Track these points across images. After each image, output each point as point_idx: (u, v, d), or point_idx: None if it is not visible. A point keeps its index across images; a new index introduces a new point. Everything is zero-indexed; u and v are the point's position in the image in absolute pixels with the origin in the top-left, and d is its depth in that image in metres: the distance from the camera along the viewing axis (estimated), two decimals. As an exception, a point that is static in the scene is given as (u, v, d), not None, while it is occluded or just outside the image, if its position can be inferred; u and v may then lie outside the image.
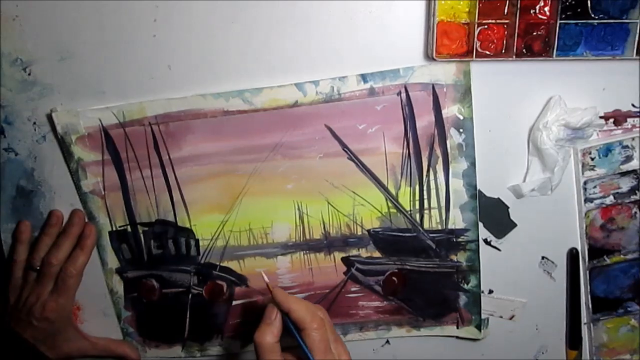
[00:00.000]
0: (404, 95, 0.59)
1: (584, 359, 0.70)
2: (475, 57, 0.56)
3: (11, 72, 0.58)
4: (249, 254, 0.65)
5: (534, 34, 0.56)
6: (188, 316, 0.67)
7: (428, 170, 0.62)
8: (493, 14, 0.55)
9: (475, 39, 0.55)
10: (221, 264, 0.66)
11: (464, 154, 0.61)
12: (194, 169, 0.62)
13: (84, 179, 0.62)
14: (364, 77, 0.58)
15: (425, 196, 0.63)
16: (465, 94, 0.58)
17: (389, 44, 0.58)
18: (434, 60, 0.56)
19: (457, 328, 0.68)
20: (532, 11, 0.55)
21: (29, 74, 0.58)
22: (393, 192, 0.62)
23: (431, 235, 0.64)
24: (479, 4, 0.54)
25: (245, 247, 0.65)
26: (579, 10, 0.55)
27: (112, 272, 0.66)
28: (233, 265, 0.66)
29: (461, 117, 0.59)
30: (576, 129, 0.59)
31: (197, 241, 0.65)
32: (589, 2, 0.55)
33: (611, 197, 0.64)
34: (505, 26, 0.55)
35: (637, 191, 0.64)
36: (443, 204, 0.63)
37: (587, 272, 0.66)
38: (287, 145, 0.61)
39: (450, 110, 0.59)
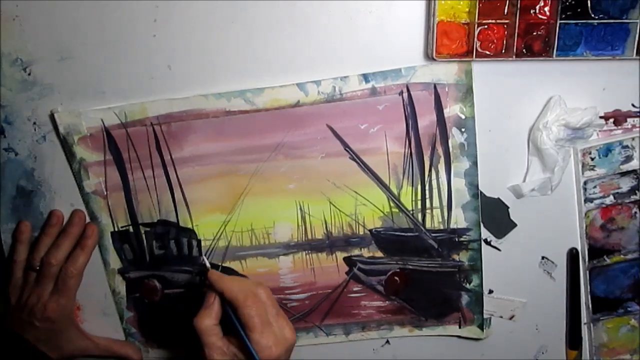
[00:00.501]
0: (405, 95, 0.59)
1: (584, 359, 0.70)
2: (475, 57, 0.56)
3: (11, 72, 0.58)
4: (251, 254, 0.65)
5: (534, 34, 0.56)
6: (190, 316, 0.67)
7: (430, 170, 0.62)
8: (493, 14, 0.55)
9: (475, 39, 0.55)
10: (223, 265, 0.66)
11: (466, 153, 0.61)
12: (195, 169, 0.62)
13: (86, 179, 0.62)
14: (365, 77, 0.58)
15: (427, 196, 0.63)
16: (467, 93, 0.58)
17: (389, 44, 0.58)
18: (434, 60, 0.56)
19: (460, 328, 0.68)
20: (532, 11, 0.55)
21: (29, 74, 0.58)
22: (395, 191, 0.63)
23: (433, 234, 0.64)
24: (479, 4, 0.54)
25: (247, 248, 0.65)
26: (579, 10, 0.55)
27: (114, 272, 0.66)
28: (235, 265, 0.66)
29: (463, 117, 0.59)
30: (576, 129, 0.59)
31: (199, 241, 0.65)
32: (589, 2, 0.55)
33: (611, 197, 0.64)
34: (505, 26, 0.55)
35: (637, 191, 0.64)
36: (445, 203, 0.63)
37: (587, 272, 0.66)
38: (289, 145, 0.61)
39: (452, 110, 0.59)
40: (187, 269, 0.66)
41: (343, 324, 0.68)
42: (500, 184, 0.63)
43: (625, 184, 0.63)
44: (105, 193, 0.63)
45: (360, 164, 0.61)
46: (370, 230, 0.64)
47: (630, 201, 0.64)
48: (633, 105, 0.61)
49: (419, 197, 0.63)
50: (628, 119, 0.61)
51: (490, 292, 0.67)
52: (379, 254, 0.65)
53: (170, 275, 0.66)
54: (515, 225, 0.65)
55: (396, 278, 0.66)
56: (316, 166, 0.62)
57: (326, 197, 0.63)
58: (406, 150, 0.61)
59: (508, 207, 0.64)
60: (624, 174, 0.63)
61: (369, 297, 0.67)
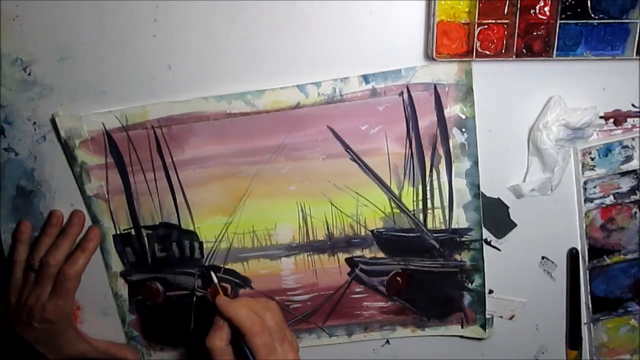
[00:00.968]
0: (405, 95, 0.59)
1: (584, 359, 0.70)
2: (475, 57, 0.56)
3: (11, 72, 0.58)
4: (252, 255, 0.65)
5: (534, 34, 0.56)
6: (193, 318, 0.67)
7: (431, 170, 0.62)
8: (493, 14, 0.55)
9: (475, 39, 0.55)
10: (225, 266, 0.66)
11: (467, 153, 0.61)
12: (197, 172, 0.62)
13: (87, 182, 0.62)
14: (365, 78, 0.58)
15: (429, 196, 0.63)
16: (467, 93, 0.58)
17: (389, 44, 0.58)
18: (434, 60, 0.56)
19: (462, 327, 0.68)
20: (532, 11, 0.55)
21: (29, 74, 0.58)
22: (396, 192, 0.63)
23: (435, 235, 0.64)
24: (479, 4, 0.54)
25: (249, 249, 0.65)
26: (579, 10, 0.55)
27: (116, 275, 0.66)
28: (237, 267, 0.66)
29: (463, 117, 0.59)
30: (576, 129, 0.59)
31: (200, 243, 0.65)
32: (589, 2, 0.55)
33: (611, 197, 0.64)
34: (505, 26, 0.56)
35: (637, 191, 0.64)
36: (446, 203, 0.63)
37: (587, 272, 0.66)
38: (289, 146, 0.61)
39: (453, 110, 0.59)
40: (190, 271, 0.66)
41: (345, 325, 0.68)
42: (500, 184, 0.63)
43: (625, 184, 0.63)
44: (107, 196, 0.63)
45: (361, 164, 0.61)
46: (371, 231, 0.64)
47: (630, 201, 0.64)
48: (633, 105, 0.61)
49: (420, 197, 0.63)
50: (628, 119, 0.62)
51: (490, 292, 0.67)
52: (381, 254, 0.65)
53: (172, 277, 0.66)
54: (515, 225, 0.65)
55: (398, 278, 0.66)
56: (317, 167, 0.62)
57: (327, 198, 0.63)
58: (407, 150, 0.61)
59: (508, 207, 0.64)
60: (624, 174, 0.63)
61: (371, 297, 0.67)
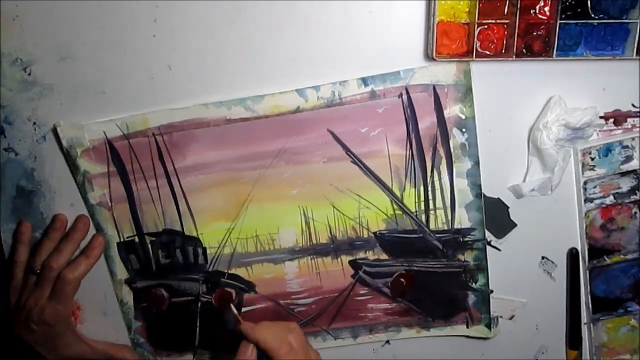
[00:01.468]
0: (405, 97, 0.59)
1: (584, 359, 0.70)
2: (475, 57, 0.56)
3: (11, 72, 0.58)
4: (256, 260, 0.65)
5: (534, 34, 0.56)
6: (198, 324, 0.67)
7: (432, 171, 0.62)
8: (493, 14, 0.55)
9: (475, 39, 0.55)
10: (229, 271, 0.66)
11: (467, 153, 0.61)
12: (199, 178, 0.62)
13: (90, 191, 0.62)
14: (364, 81, 0.58)
15: (430, 197, 0.63)
16: (466, 93, 0.58)
17: (389, 44, 0.58)
18: (434, 60, 0.56)
19: (467, 327, 0.68)
20: (532, 11, 0.55)
21: (29, 74, 0.58)
22: (398, 194, 0.63)
23: (437, 235, 0.64)
24: (479, 4, 0.54)
25: (253, 254, 0.65)
26: (579, 10, 0.55)
27: (121, 282, 0.66)
28: (241, 272, 0.66)
29: (463, 117, 0.59)
30: (576, 129, 0.59)
31: (204, 249, 0.65)
32: (589, 2, 0.55)
33: (611, 197, 0.64)
34: (505, 26, 0.56)
35: (637, 191, 0.64)
36: (448, 204, 0.63)
37: (587, 272, 0.66)
38: (290, 151, 0.61)
39: (452, 110, 0.59)
40: (194, 277, 0.66)
41: (351, 327, 0.68)
42: (501, 184, 0.63)
43: (625, 184, 0.63)
44: (110, 204, 0.63)
45: (362, 167, 0.62)
46: (374, 233, 0.64)
47: (630, 201, 0.64)
48: (633, 105, 0.61)
49: (422, 198, 0.63)
50: (628, 119, 0.62)
51: (491, 292, 0.67)
52: (384, 256, 0.65)
53: (177, 284, 0.66)
54: (515, 225, 0.65)
55: (402, 280, 0.66)
56: (318, 171, 0.62)
57: (329, 201, 0.63)
58: (407, 152, 0.61)
59: (508, 207, 0.64)
60: (624, 174, 0.63)
61: (376, 299, 0.67)
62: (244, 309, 0.67)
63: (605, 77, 0.59)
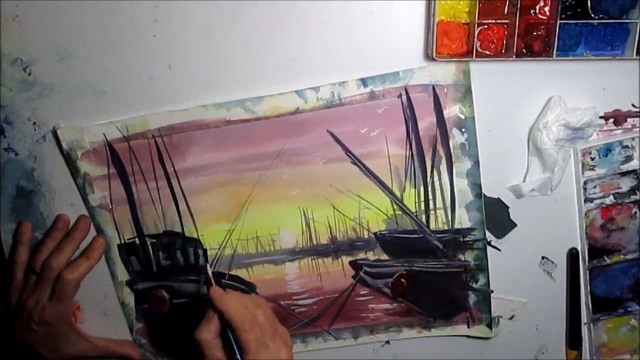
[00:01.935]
0: (404, 97, 0.59)
1: (584, 359, 0.70)
2: (475, 57, 0.56)
3: (11, 72, 0.58)
4: (257, 261, 0.65)
5: (534, 34, 0.56)
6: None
7: (432, 171, 0.62)
8: (493, 14, 0.55)
9: (475, 39, 0.55)
10: (230, 273, 0.66)
11: (467, 153, 0.61)
12: (199, 180, 0.62)
13: (91, 193, 0.62)
14: (364, 81, 0.58)
15: (430, 197, 0.63)
16: (465, 93, 0.58)
17: (389, 44, 0.58)
18: (434, 60, 0.56)
19: (468, 327, 0.68)
20: (532, 11, 0.55)
21: (29, 74, 0.58)
22: (398, 194, 0.63)
23: (438, 235, 0.64)
24: (479, 4, 0.54)
25: (253, 255, 0.65)
26: (579, 10, 0.55)
27: (122, 284, 0.66)
28: (242, 273, 0.66)
29: (463, 117, 0.59)
30: (576, 129, 0.59)
31: (205, 251, 0.65)
32: (589, 2, 0.55)
33: (611, 197, 0.64)
34: (505, 26, 0.55)
35: (637, 191, 0.64)
36: (448, 204, 0.63)
37: (587, 272, 0.66)
38: (290, 152, 0.61)
39: (452, 110, 0.59)
40: (195, 279, 0.66)
41: (352, 328, 0.68)
42: (501, 184, 0.63)
43: (625, 184, 0.63)
44: (111, 206, 0.63)
45: (362, 168, 0.62)
46: (374, 234, 0.64)
47: (630, 201, 0.64)
48: (633, 105, 0.61)
49: (422, 198, 0.63)
50: (628, 119, 0.62)
51: (491, 292, 0.67)
52: (385, 256, 0.65)
53: (178, 285, 0.66)
54: (515, 225, 0.65)
55: (402, 280, 0.66)
56: (318, 172, 0.62)
57: (329, 202, 0.63)
58: (407, 152, 0.61)
59: (508, 207, 0.64)
60: (624, 174, 0.63)
61: (376, 299, 0.67)
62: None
63: (605, 77, 0.59)
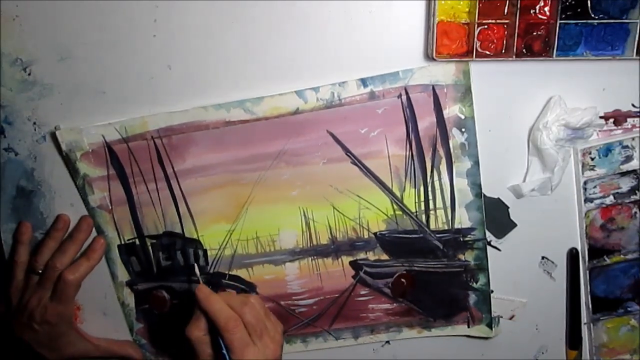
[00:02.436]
0: (404, 97, 0.59)
1: (584, 359, 0.70)
2: (475, 57, 0.56)
3: (11, 72, 0.58)
4: (257, 261, 0.65)
5: (534, 34, 0.56)
6: None
7: (432, 171, 0.62)
8: (493, 14, 0.55)
9: (475, 39, 0.55)
10: (230, 273, 0.66)
11: (467, 153, 0.61)
12: (198, 180, 0.62)
13: (90, 194, 0.62)
14: (363, 82, 0.58)
15: (430, 197, 0.63)
16: (465, 93, 0.58)
17: (389, 44, 0.58)
18: (434, 60, 0.56)
19: (468, 327, 0.68)
20: (532, 11, 0.55)
21: (29, 74, 0.58)
22: (398, 194, 0.63)
23: (438, 235, 0.64)
24: (479, 4, 0.54)
25: (253, 255, 0.65)
26: (579, 10, 0.55)
27: (122, 285, 0.66)
28: (242, 273, 0.66)
29: (462, 117, 0.59)
30: (576, 129, 0.59)
31: (205, 251, 0.65)
32: (589, 2, 0.55)
33: (611, 197, 0.64)
34: (505, 26, 0.55)
35: (637, 191, 0.64)
36: (448, 204, 0.63)
37: (587, 272, 0.66)
38: (290, 152, 0.61)
39: (452, 110, 0.59)
40: (195, 279, 0.65)
41: (352, 328, 0.68)
42: (500, 184, 0.63)
43: (625, 184, 0.63)
44: (110, 207, 0.63)
45: (362, 168, 0.61)
46: (374, 234, 0.64)
47: (630, 201, 0.64)
48: (633, 105, 0.61)
49: (422, 198, 0.63)
50: (628, 119, 0.62)
51: (491, 292, 0.67)
52: (385, 256, 0.65)
53: (178, 285, 0.66)
54: (515, 225, 0.65)
55: (403, 280, 0.66)
56: (318, 172, 0.62)
57: (329, 202, 0.63)
58: (407, 152, 0.61)
59: (508, 207, 0.64)
60: (624, 174, 0.63)
61: (377, 299, 0.67)
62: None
63: (605, 77, 0.59)
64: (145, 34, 0.57)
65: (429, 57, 0.57)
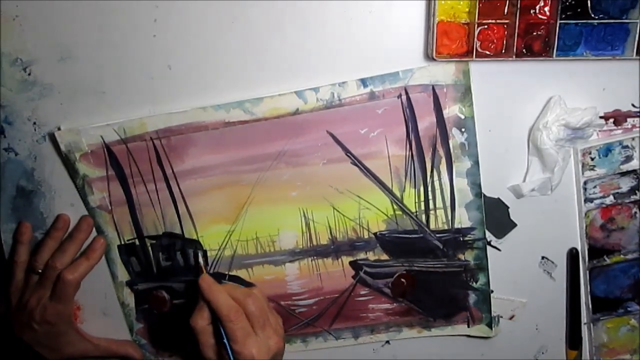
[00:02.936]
0: (404, 97, 0.59)
1: (584, 359, 0.70)
2: (475, 57, 0.56)
3: (11, 72, 0.58)
4: (257, 262, 0.65)
5: (534, 34, 0.56)
6: None
7: (432, 171, 0.62)
8: (493, 14, 0.55)
9: (475, 39, 0.55)
10: (230, 273, 0.66)
11: (467, 153, 0.61)
12: (198, 181, 0.62)
13: (90, 194, 0.62)
14: (363, 82, 0.58)
15: (430, 197, 0.63)
16: (465, 93, 0.58)
17: (389, 44, 0.58)
18: (434, 60, 0.56)
19: (469, 327, 0.68)
20: (532, 11, 0.55)
21: (29, 74, 0.58)
22: (398, 194, 0.63)
23: (438, 235, 0.64)
24: (479, 4, 0.54)
25: (253, 256, 0.65)
26: (579, 10, 0.55)
27: (122, 285, 0.66)
28: (242, 273, 0.66)
29: (462, 117, 0.59)
30: (576, 129, 0.59)
31: (205, 252, 0.65)
32: (589, 2, 0.55)
33: (611, 197, 0.64)
34: (505, 26, 0.55)
35: (637, 191, 0.64)
36: (448, 203, 0.63)
37: (587, 272, 0.66)
38: (290, 153, 0.61)
39: (452, 110, 0.59)
40: (195, 279, 0.65)
41: (352, 328, 0.68)
42: (500, 184, 0.63)
43: (625, 184, 0.63)
44: (110, 207, 0.63)
45: (362, 168, 0.61)
46: (374, 234, 0.64)
47: (630, 201, 0.64)
48: (633, 105, 0.61)
49: (422, 198, 0.63)
50: (628, 119, 0.61)
51: (491, 292, 0.67)
52: (385, 256, 0.65)
53: (178, 286, 0.66)
54: (515, 225, 0.65)
55: (403, 280, 0.66)
56: (318, 173, 0.62)
57: (329, 202, 0.63)
58: (407, 152, 0.61)
59: (508, 207, 0.64)
60: (624, 174, 0.63)
61: (377, 299, 0.67)
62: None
63: (605, 77, 0.59)
64: (145, 34, 0.57)
65: (428, 57, 0.57)
